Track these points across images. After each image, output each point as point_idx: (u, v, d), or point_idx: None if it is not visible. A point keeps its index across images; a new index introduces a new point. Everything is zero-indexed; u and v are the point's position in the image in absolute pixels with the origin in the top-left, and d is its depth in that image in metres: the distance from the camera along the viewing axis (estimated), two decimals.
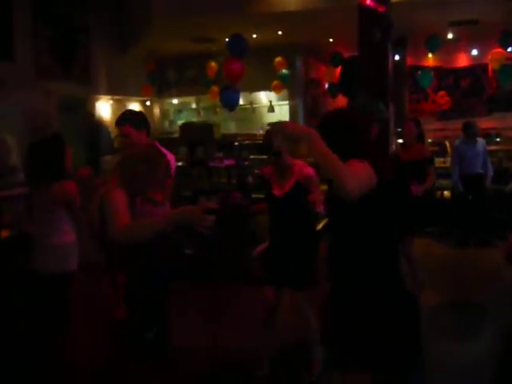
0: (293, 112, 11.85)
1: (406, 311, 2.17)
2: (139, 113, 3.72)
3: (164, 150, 3.23)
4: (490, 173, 6.69)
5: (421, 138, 5.17)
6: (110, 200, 2.45)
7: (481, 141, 6.79)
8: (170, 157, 3.38)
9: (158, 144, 3.42)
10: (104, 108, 10.49)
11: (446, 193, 7.66)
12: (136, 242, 2.35)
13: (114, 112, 10.88)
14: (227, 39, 8.73)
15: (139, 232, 2.32)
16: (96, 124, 9.12)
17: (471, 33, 10.09)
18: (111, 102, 10.70)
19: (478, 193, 6.70)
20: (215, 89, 10.14)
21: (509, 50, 9.60)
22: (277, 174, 3.44)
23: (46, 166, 3.29)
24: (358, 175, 1.97)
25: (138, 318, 2.52)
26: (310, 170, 3.36)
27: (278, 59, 10.47)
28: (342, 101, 11.36)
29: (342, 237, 2.21)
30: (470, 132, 6.65)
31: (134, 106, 11.80)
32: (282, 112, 12.15)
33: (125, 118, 3.32)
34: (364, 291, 2.16)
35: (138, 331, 2.53)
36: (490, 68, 11.52)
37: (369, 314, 2.13)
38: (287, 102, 11.96)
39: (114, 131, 10.23)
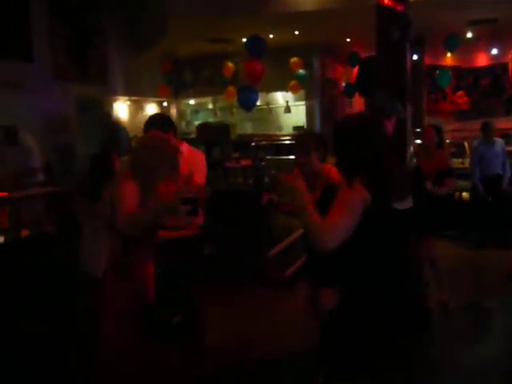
0: (309, 112, 11.81)
1: (403, 318, 2.13)
2: (163, 115, 3.80)
3: (193, 149, 3.50)
4: (508, 174, 6.58)
5: (441, 144, 5.08)
6: (118, 191, 2.57)
7: (500, 141, 6.69)
8: (200, 155, 3.57)
9: (185, 143, 3.52)
10: (121, 109, 10.57)
11: (465, 194, 7.56)
12: (135, 231, 2.49)
13: (131, 113, 10.96)
14: (245, 40, 8.74)
15: (136, 220, 2.47)
16: (113, 124, 9.18)
17: (490, 31, 9.96)
18: (128, 102, 10.78)
19: (497, 194, 6.60)
20: (232, 89, 10.15)
21: None
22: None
23: (103, 179, 3.45)
24: (335, 230, 1.99)
25: (165, 305, 2.72)
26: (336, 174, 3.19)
27: (294, 59, 10.45)
28: (358, 101, 11.30)
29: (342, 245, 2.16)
30: (487, 132, 6.55)
31: (151, 107, 11.88)
32: (298, 112, 12.12)
33: (151, 123, 3.37)
34: (362, 300, 2.14)
35: (166, 317, 2.73)
36: (510, 67, 11.35)
37: (366, 322, 2.11)
38: (304, 102, 11.92)
39: (131, 132, 10.35)
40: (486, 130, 6.57)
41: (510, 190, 6.73)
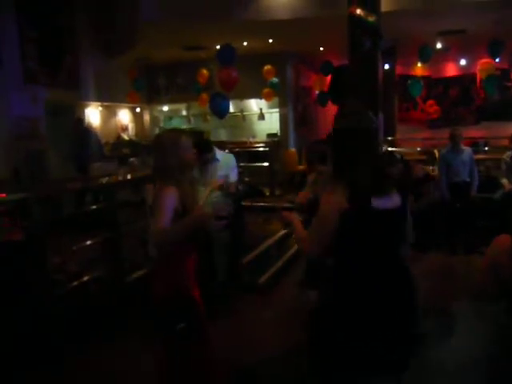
0: (283, 120, 11.88)
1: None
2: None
3: (223, 152, 4.39)
4: (476, 181, 6.71)
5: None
6: (158, 197, 2.56)
7: (467, 149, 6.84)
8: (231, 158, 4.50)
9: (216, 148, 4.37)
10: (93, 114, 10.45)
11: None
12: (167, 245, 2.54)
13: (103, 118, 10.85)
14: (218, 47, 8.75)
15: (170, 238, 2.50)
16: (84, 130, 9.06)
17: (459, 42, 10.20)
18: (100, 108, 10.66)
19: (465, 201, 6.73)
20: (205, 96, 10.14)
21: (497, 60, 9.70)
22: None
23: None
24: (311, 239, 2.24)
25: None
26: None
27: (267, 67, 10.50)
28: (331, 109, 11.42)
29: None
30: (454, 140, 6.68)
31: (124, 113, 11.79)
32: (272, 120, 12.18)
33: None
34: (333, 304, 2.19)
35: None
36: (478, 78, 11.65)
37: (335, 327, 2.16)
38: (277, 109, 11.99)
39: (104, 137, 10.24)
40: (454, 138, 6.69)
41: (480, 197, 6.87)
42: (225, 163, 4.46)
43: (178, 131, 2.97)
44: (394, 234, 2.21)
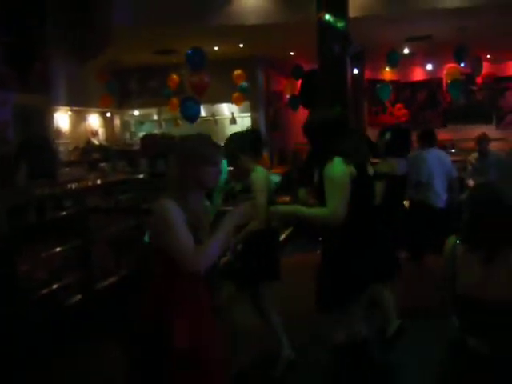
0: (255, 124, 11.92)
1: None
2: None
3: None
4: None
5: None
6: (159, 217, 2.16)
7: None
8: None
9: None
10: (62, 119, 10.30)
11: (405, 202, 7.81)
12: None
13: (72, 123, 10.70)
14: (189, 52, 8.74)
15: (213, 256, 2.17)
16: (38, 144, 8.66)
17: (426, 48, 10.43)
18: (70, 113, 10.52)
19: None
20: (175, 100, 10.10)
21: (462, 65, 9.95)
22: None
23: None
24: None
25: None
26: None
27: (237, 72, 10.52)
28: (302, 113, 11.51)
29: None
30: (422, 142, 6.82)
31: (94, 118, 11.65)
32: (244, 124, 12.21)
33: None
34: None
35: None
36: (444, 82, 11.92)
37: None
38: (249, 114, 12.02)
39: (73, 142, 10.09)
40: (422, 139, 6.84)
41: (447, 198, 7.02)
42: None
43: (205, 138, 2.44)
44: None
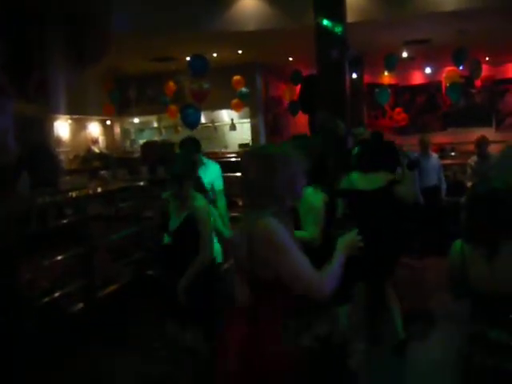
0: (254, 130, 11.94)
1: None
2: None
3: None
4: (444, 185, 6.95)
5: None
6: (269, 241, 1.82)
7: (434, 155, 7.08)
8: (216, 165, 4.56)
9: None
10: (62, 127, 10.32)
11: None
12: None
13: (73, 131, 10.72)
14: (188, 58, 8.76)
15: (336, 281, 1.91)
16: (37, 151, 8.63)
17: (425, 51, 10.45)
18: (70, 121, 10.54)
19: (435, 205, 6.89)
20: (173, 108, 10.12)
21: (461, 68, 9.97)
22: None
23: None
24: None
25: None
26: None
27: (237, 78, 10.54)
28: (302, 118, 11.53)
29: None
30: (424, 146, 6.90)
31: (94, 126, 11.67)
32: (243, 130, 12.22)
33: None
34: None
35: None
36: (443, 85, 11.93)
37: None
38: (249, 119, 12.04)
39: (73, 151, 10.11)
40: (423, 144, 6.90)
41: (447, 201, 7.04)
42: (211, 170, 4.39)
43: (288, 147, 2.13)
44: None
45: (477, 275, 2.23)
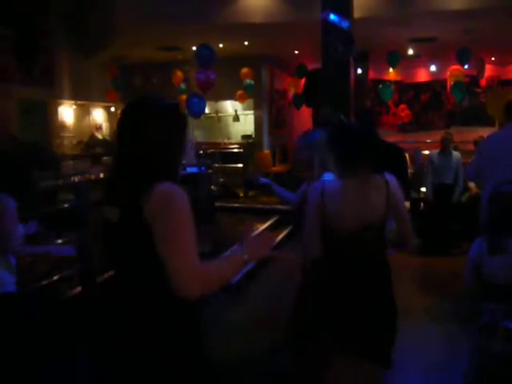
0: (257, 122, 11.96)
1: None
2: None
3: None
4: (459, 187, 6.90)
5: None
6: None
7: (456, 154, 7.07)
8: None
9: None
10: (67, 112, 10.36)
11: (406, 204, 7.87)
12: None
13: (77, 117, 10.75)
14: (195, 48, 8.78)
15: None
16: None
17: (430, 49, 10.44)
18: (74, 106, 10.57)
19: (446, 203, 6.92)
20: (183, 97, 10.15)
21: (466, 67, 9.96)
22: None
23: None
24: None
25: None
26: None
27: (245, 70, 10.56)
28: (306, 112, 11.55)
29: None
30: (443, 143, 6.94)
31: (98, 112, 11.70)
32: (247, 121, 12.25)
33: None
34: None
35: None
36: (448, 84, 11.93)
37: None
38: (252, 111, 12.06)
39: (77, 136, 10.13)
40: (443, 142, 6.95)
41: (460, 201, 7.05)
42: None
43: None
44: None
45: (495, 267, 2.34)
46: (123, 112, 1.78)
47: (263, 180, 3.72)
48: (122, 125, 1.77)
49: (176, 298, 1.58)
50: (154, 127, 1.70)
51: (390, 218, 2.42)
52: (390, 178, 2.42)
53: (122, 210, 1.67)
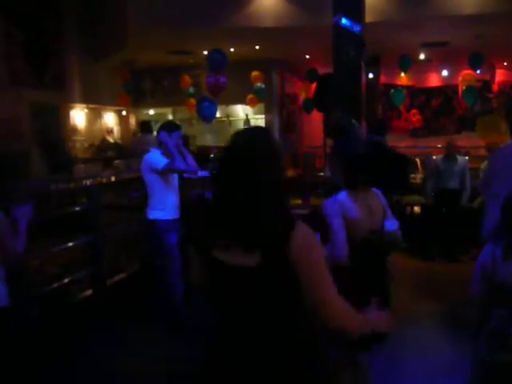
0: (268, 126, 11.97)
1: None
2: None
3: None
4: (467, 192, 6.81)
5: None
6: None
7: (462, 159, 6.99)
8: None
9: None
10: (79, 116, 10.42)
11: (416, 208, 7.82)
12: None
13: (89, 120, 10.82)
14: (206, 52, 8.80)
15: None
16: (49, 141, 8.73)
17: (442, 54, 10.40)
18: (86, 110, 10.64)
19: (452, 208, 6.85)
20: (192, 101, 10.19)
21: (478, 72, 9.90)
22: None
23: None
24: None
25: None
26: None
27: (255, 73, 10.58)
28: (316, 116, 11.54)
29: None
30: (448, 149, 6.88)
31: (110, 116, 11.76)
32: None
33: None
34: None
35: None
36: (460, 89, 11.86)
37: None
38: (263, 115, 12.07)
39: (88, 140, 10.20)
40: (447, 147, 6.90)
41: (468, 207, 6.97)
42: None
43: None
44: None
45: (509, 272, 2.36)
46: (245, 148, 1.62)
47: None
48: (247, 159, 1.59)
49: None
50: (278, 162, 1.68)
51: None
52: (377, 191, 2.85)
53: (263, 253, 1.53)
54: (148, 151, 4.31)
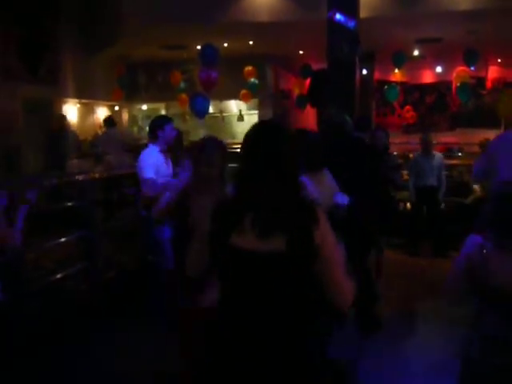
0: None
1: None
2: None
3: None
4: (443, 187, 6.83)
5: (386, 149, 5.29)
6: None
7: (438, 155, 6.98)
8: None
9: None
10: (71, 111, 10.35)
11: (409, 205, 7.83)
12: None
13: (81, 115, 10.75)
14: (199, 47, 8.76)
15: None
16: (63, 127, 8.93)
17: (436, 50, 10.41)
18: (78, 105, 10.57)
19: (432, 205, 6.87)
20: (184, 96, 10.13)
21: (472, 68, 9.92)
22: None
23: None
24: None
25: None
26: None
27: (248, 68, 10.54)
28: (310, 112, 11.52)
29: None
30: (424, 145, 6.82)
31: (103, 111, 11.69)
32: (251, 121, 12.19)
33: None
34: None
35: None
36: (454, 85, 11.89)
37: None
38: (257, 111, 12.04)
39: (81, 134, 10.15)
40: (424, 143, 6.83)
41: (453, 202, 7.00)
42: None
43: None
44: None
45: (500, 270, 2.21)
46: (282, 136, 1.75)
47: None
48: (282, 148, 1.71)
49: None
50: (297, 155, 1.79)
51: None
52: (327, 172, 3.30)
53: (290, 239, 1.59)
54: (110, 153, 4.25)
